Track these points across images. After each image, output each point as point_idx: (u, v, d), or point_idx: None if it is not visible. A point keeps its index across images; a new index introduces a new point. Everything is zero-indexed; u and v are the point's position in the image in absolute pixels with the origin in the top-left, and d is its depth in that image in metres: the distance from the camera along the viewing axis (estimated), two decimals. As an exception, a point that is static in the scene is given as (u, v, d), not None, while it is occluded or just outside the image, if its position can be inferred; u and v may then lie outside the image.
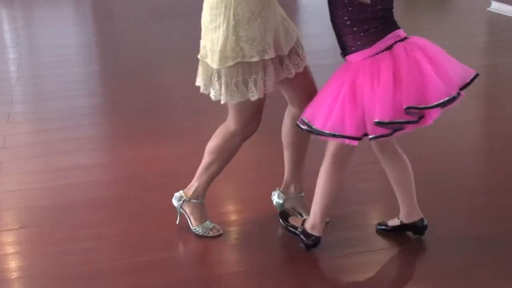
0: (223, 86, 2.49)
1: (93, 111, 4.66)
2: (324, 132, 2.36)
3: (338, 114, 2.32)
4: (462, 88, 2.34)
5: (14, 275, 2.66)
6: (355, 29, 2.35)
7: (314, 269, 2.65)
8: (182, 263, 2.68)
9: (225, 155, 2.71)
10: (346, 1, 2.33)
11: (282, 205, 2.91)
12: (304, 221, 2.70)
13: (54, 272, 2.64)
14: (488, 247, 2.67)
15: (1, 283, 2.57)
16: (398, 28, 2.40)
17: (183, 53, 5.97)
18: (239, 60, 2.42)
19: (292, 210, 2.91)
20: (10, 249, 2.84)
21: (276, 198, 2.93)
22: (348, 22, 2.36)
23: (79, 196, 3.26)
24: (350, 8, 2.34)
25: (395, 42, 2.35)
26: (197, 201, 2.80)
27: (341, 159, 2.53)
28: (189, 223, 2.81)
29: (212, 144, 2.71)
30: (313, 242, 2.64)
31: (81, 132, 4.13)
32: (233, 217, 3.02)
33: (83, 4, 8.70)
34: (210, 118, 4.30)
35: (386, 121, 2.26)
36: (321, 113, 2.38)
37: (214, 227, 2.80)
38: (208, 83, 2.57)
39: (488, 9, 7.08)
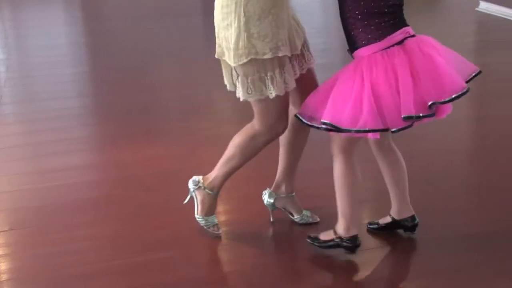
0: (240, 83, 2.50)
1: (84, 111, 4.66)
2: (352, 130, 2.34)
3: (370, 109, 2.30)
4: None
5: (4, 277, 2.64)
6: (366, 22, 2.37)
7: (305, 269, 2.65)
8: (176, 263, 2.68)
9: (247, 153, 2.68)
10: None
11: (273, 204, 2.91)
12: (335, 230, 2.61)
13: (45, 273, 2.63)
14: (481, 246, 2.68)
15: (-9, 285, 2.57)
16: (408, 25, 2.42)
17: (174, 53, 5.99)
18: (252, 57, 2.42)
19: (283, 209, 2.92)
20: None
21: (267, 197, 2.94)
22: (360, 16, 2.37)
23: (70, 197, 3.25)
24: (362, 3, 2.35)
25: (405, 38, 2.38)
26: (211, 192, 2.77)
27: (349, 150, 2.51)
28: (195, 209, 2.79)
29: (237, 139, 2.69)
30: (355, 243, 2.59)
31: (72, 133, 4.12)
32: (223, 218, 3.03)
33: (72, 4, 8.68)
34: (203, 118, 4.33)
35: (414, 115, 2.26)
36: (346, 113, 2.33)
37: (216, 225, 2.80)
38: (231, 81, 2.59)
39: (476, 9, 7.12)
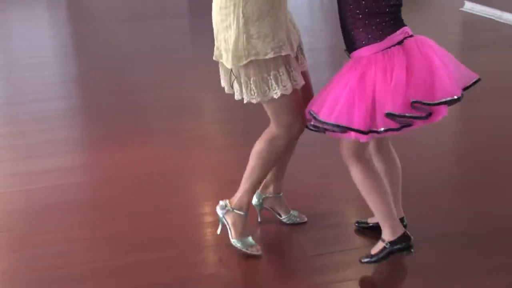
0: (242, 85, 2.46)
1: (69, 113, 4.63)
2: (328, 123, 2.31)
3: (345, 105, 2.29)
4: (463, 90, 2.36)
5: (-9, 279, 2.63)
6: (366, 22, 2.35)
7: (293, 268, 2.66)
8: (161, 265, 2.67)
9: (268, 160, 2.61)
10: None
11: (261, 205, 2.91)
12: (382, 239, 2.53)
13: (31, 276, 2.61)
14: (468, 244, 2.71)
15: (-23, 288, 2.55)
16: (406, 25, 2.41)
17: (160, 54, 5.98)
18: (252, 58, 2.40)
19: (270, 210, 2.92)
20: (-15, 254, 2.81)
21: (254, 198, 2.94)
22: (360, 16, 2.35)
23: (58, 198, 3.24)
24: (363, 2, 2.33)
25: (405, 38, 2.36)
26: (241, 212, 2.68)
27: (362, 154, 2.47)
28: (229, 234, 2.69)
29: (257, 147, 2.62)
30: (408, 241, 2.50)
31: (59, 134, 4.10)
32: (211, 219, 3.02)
33: (57, 6, 8.63)
34: (190, 119, 4.33)
35: (397, 113, 2.24)
36: (327, 104, 2.34)
37: (254, 245, 2.68)
38: (229, 83, 2.55)
39: (461, 9, 7.17)
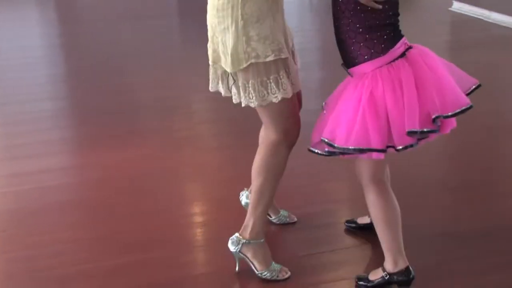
0: (240, 89, 2.38)
1: (59, 114, 4.62)
2: (348, 148, 2.21)
3: (361, 127, 2.20)
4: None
5: (-19, 281, 2.62)
6: (367, 36, 2.26)
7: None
8: (152, 265, 2.68)
9: (275, 170, 2.47)
10: (358, 8, 2.23)
11: (251, 205, 2.91)
12: (383, 267, 2.45)
13: (22, 277, 2.62)
14: (460, 243, 2.72)
15: (-32, 289, 2.55)
16: (403, 35, 2.33)
17: (150, 54, 5.97)
18: (252, 61, 2.30)
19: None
20: (-24, 255, 2.81)
21: (244, 198, 2.94)
22: (361, 30, 2.26)
23: (47, 199, 3.24)
24: (362, 15, 2.24)
25: (406, 49, 2.29)
26: (258, 241, 2.54)
27: (380, 178, 2.39)
28: (253, 268, 2.54)
29: (257, 163, 2.49)
30: (408, 276, 2.41)
31: (48, 135, 4.09)
32: (200, 219, 3.03)
33: (46, 5, 8.60)
34: (180, 119, 4.33)
35: (418, 130, 2.17)
36: (341, 130, 2.23)
37: (281, 268, 2.56)
38: (226, 87, 2.47)
39: (449, 8, 7.20)
